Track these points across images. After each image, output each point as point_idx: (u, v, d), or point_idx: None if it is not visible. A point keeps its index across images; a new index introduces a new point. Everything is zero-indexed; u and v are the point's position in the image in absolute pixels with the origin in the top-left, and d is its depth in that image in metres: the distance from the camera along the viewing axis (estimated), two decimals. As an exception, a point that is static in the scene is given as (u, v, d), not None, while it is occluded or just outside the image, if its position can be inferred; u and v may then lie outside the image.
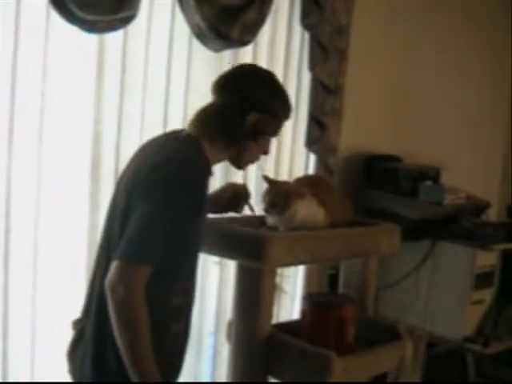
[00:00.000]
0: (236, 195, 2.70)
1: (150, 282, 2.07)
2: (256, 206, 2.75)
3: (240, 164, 2.47)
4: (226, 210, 2.71)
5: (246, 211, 2.75)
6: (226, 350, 3.37)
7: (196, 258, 2.35)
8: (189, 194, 2.13)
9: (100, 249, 2.31)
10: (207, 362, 3.53)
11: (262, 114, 2.33)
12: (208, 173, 2.27)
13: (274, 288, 2.58)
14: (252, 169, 3.49)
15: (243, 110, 2.31)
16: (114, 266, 2.05)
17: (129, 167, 2.33)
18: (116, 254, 2.08)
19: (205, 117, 2.32)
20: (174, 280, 2.22)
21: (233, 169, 3.16)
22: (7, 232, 2.65)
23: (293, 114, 3.62)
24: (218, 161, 2.41)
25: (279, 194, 2.61)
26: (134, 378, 2.06)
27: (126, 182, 2.26)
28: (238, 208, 2.70)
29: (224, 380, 3.45)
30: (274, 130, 2.44)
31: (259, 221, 2.71)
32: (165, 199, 2.10)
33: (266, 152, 2.48)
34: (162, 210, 2.09)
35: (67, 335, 2.37)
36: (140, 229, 2.08)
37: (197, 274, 2.38)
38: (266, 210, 2.64)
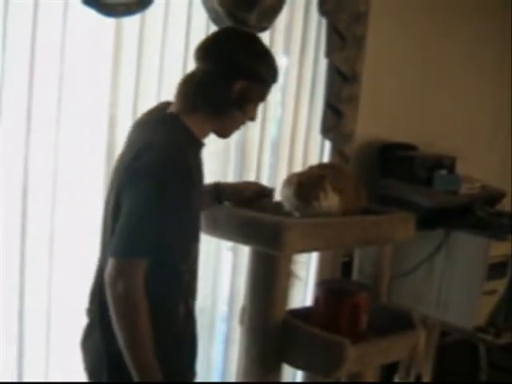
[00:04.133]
0: (260, 194, 2.69)
1: (156, 266, 2.08)
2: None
3: (225, 134, 2.39)
4: (247, 206, 2.69)
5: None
6: (238, 336, 3.38)
7: (197, 239, 2.32)
8: (172, 181, 2.07)
9: (101, 240, 2.31)
10: (219, 348, 3.54)
11: (248, 81, 2.24)
12: (195, 151, 2.24)
13: (288, 274, 2.58)
14: (265, 162, 3.51)
15: (228, 78, 2.23)
16: (110, 263, 2.06)
17: (117, 159, 2.33)
18: (110, 251, 2.08)
19: (187, 88, 2.27)
20: (179, 260, 2.21)
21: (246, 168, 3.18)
22: (24, 215, 2.66)
23: (308, 101, 3.67)
24: (205, 134, 2.32)
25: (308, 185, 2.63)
26: (131, 370, 2.05)
27: (113, 173, 2.27)
28: (259, 206, 2.68)
29: (235, 365, 3.47)
30: (262, 95, 2.35)
31: (274, 207, 2.71)
32: (148, 190, 2.06)
33: (252, 118, 2.39)
34: (147, 200, 2.06)
35: (82, 320, 2.37)
36: (129, 223, 2.07)
37: (199, 254, 2.36)
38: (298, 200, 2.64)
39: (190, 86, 2.26)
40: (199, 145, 2.28)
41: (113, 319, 2.05)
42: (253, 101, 2.32)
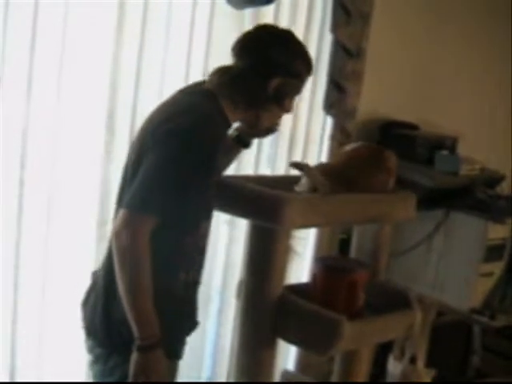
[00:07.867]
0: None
1: (163, 230, 2.11)
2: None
3: (258, 125, 2.42)
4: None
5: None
6: (232, 310, 3.38)
7: (208, 217, 2.35)
8: (200, 149, 2.10)
9: (116, 202, 2.31)
10: (213, 321, 3.53)
11: (284, 77, 2.29)
12: (225, 131, 2.29)
13: (287, 249, 2.56)
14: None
15: (265, 74, 2.28)
16: (120, 214, 2.09)
17: (145, 121, 2.32)
18: (122, 203, 2.12)
19: (225, 79, 2.28)
20: (186, 232, 2.23)
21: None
22: (22, 183, 2.65)
23: (312, 77, 3.63)
24: (235, 120, 2.38)
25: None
26: (131, 323, 2.09)
27: (139, 133, 2.28)
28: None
29: (229, 337, 3.47)
30: (298, 89, 2.40)
31: (275, 181, 2.69)
32: (174, 151, 2.09)
33: (288, 111, 2.44)
34: (170, 161, 2.09)
35: (78, 286, 2.37)
36: (147, 179, 2.09)
37: (209, 235, 2.38)
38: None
39: (227, 79, 2.28)
40: (228, 126, 2.34)
41: (115, 269, 2.09)
42: (289, 95, 2.37)
